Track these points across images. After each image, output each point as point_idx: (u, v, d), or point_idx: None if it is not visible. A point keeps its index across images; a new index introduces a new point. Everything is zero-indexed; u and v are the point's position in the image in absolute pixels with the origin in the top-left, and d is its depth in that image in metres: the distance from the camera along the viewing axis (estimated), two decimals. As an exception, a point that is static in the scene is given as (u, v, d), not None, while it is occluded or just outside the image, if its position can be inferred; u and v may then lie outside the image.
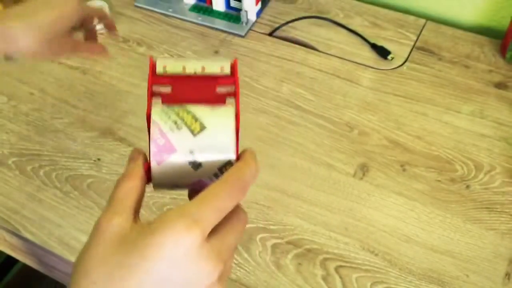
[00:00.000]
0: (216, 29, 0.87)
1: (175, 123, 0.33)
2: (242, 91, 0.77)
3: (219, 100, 0.35)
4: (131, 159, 0.34)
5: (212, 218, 0.30)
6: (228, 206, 0.31)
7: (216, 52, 0.83)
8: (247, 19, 0.87)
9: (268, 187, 0.65)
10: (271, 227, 0.62)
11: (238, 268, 0.59)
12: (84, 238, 0.61)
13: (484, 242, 0.60)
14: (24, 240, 0.64)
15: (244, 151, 0.34)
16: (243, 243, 0.60)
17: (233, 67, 0.36)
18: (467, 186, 0.65)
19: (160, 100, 0.34)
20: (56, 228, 0.62)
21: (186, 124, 0.33)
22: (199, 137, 0.33)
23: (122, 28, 0.88)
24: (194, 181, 0.33)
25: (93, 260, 0.29)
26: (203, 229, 0.29)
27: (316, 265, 0.59)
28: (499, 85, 0.77)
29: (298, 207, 0.64)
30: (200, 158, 0.33)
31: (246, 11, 0.86)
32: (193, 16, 0.89)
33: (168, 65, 0.35)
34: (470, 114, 0.73)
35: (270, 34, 0.87)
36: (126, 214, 0.30)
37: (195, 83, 0.35)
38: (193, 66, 0.35)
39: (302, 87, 0.78)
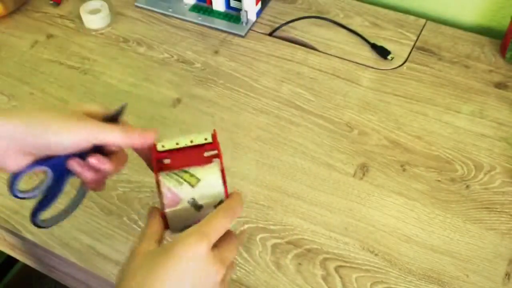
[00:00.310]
0: (216, 29, 0.87)
1: (177, 181, 0.45)
2: (242, 90, 0.77)
3: (207, 161, 0.47)
4: (151, 213, 0.45)
5: (215, 233, 0.40)
6: (224, 226, 0.42)
7: (216, 52, 0.83)
8: (247, 19, 0.87)
9: (268, 187, 0.65)
10: (271, 227, 0.62)
11: (238, 268, 0.59)
12: (84, 238, 0.62)
13: (484, 242, 0.60)
14: (24, 240, 0.64)
15: (232, 192, 0.45)
16: (243, 243, 0.60)
17: (214, 136, 0.47)
18: (467, 186, 0.65)
19: (164, 170, 0.46)
20: (56, 228, 0.62)
21: (185, 180, 0.45)
22: (196, 188, 0.44)
23: (122, 28, 0.88)
24: (200, 219, 0.43)
25: (129, 273, 0.40)
26: (209, 241, 0.40)
27: (316, 265, 0.59)
28: (499, 85, 0.77)
29: (298, 207, 0.64)
30: (200, 202, 0.44)
31: (246, 11, 0.86)
32: (193, 16, 0.89)
33: (165, 143, 0.47)
34: (470, 114, 0.74)
35: (270, 34, 0.87)
36: (153, 243, 0.42)
37: (187, 153, 0.47)
38: (184, 141, 0.47)
39: (302, 87, 0.78)
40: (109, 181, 0.66)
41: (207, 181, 0.45)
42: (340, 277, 0.58)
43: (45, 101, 0.76)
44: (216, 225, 0.41)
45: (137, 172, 0.67)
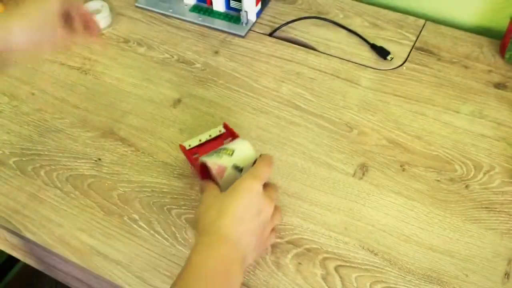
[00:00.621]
0: (216, 29, 0.87)
1: (217, 156, 0.57)
2: (242, 90, 0.77)
3: None
4: (204, 182, 0.58)
5: (262, 176, 0.53)
6: (267, 171, 0.55)
7: (216, 52, 0.83)
8: (247, 20, 0.87)
9: (268, 187, 0.66)
10: (271, 226, 0.62)
11: (238, 268, 0.59)
12: (84, 238, 0.62)
13: (483, 241, 0.60)
14: (25, 240, 0.64)
15: (262, 154, 0.57)
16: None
17: (225, 126, 0.66)
18: (466, 186, 0.66)
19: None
20: (57, 228, 0.63)
21: (223, 153, 0.57)
22: (234, 156, 0.56)
23: (122, 28, 0.88)
24: None
25: (205, 210, 0.53)
26: (261, 181, 0.53)
27: (316, 265, 0.59)
28: (498, 85, 0.77)
29: (298, 207, 0.64)
30: (240, 165, 0.56)
31: (246, 12, 0.86)
32: (193, 17, 0.89)
33: (190, 143, 0.65)
34: (470, 114, 0.74)
35: (270, 35, 0.87)
36: (217, 191, 0.55)
37: (210, 144, 0.64)
38: (204, 137, 0.65)
39: (302, 87, 0.78)
40: (110, 181, 0.67)
41: (240, 149, 0.57)
42: (340, 277, 0.58)
43: (46, 101, 0.77)
44: (262, 170, 0.54)
45: (137, 172, 0.67)
